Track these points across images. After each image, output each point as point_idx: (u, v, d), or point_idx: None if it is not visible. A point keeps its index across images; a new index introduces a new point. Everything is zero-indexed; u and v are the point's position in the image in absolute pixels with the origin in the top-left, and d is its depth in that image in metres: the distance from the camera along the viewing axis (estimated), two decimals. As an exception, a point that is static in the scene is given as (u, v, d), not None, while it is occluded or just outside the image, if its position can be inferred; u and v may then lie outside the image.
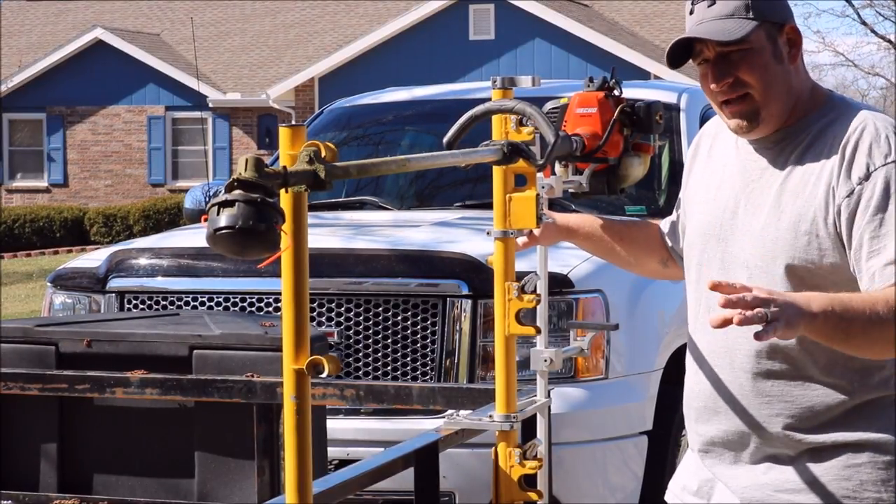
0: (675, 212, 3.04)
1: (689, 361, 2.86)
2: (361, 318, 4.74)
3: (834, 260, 2.61)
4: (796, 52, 2.70)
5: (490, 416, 3.15)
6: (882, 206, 2.55)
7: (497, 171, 3.04)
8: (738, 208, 2.72)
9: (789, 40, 2.69)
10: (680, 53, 2.71)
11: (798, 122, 2.69)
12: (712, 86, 2.69)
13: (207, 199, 6.33)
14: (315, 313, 4.74)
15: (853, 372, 2.65)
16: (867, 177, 2.57)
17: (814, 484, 2.68)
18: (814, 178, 2.63)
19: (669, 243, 3.05)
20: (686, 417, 2.90)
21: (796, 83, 2.69)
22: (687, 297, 2.89)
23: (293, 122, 2.30)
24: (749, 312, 2.33)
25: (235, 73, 31.57)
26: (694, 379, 2.83)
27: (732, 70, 2.65)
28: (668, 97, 5.96)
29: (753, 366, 2.69)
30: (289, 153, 2.27)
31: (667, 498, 2.94)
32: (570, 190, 3.18)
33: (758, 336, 2.35)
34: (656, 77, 25.82)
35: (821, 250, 2.61)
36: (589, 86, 3.14)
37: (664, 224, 3.09)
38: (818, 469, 2.67)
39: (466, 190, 5.94)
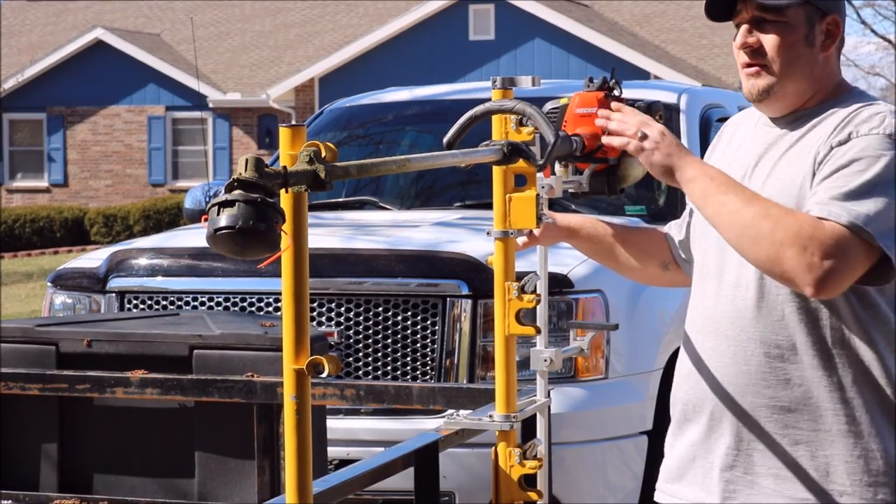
0: (686, 208, 3.05)
1: (682, 344, 2.88)
2: (361, 318, 4.74)
3: None
4: (830, 44, 2.73)
5: (490, 416, 3.15)
6: (846, 165, 2.58)
7: (497, 171, 3.04)
8: (743, 181, 2.74)
9: (828, 30, 2.73)
10: (722, 10, 2.75)
11: (816, 107, 2.73)
12: (736, 45, 2.74)
13: (207, 199, 6.33)
14: (315, 313, 4.74)
15: (840, 356, 2.64)
16: (846, 141, 2.61)
17: (788, 471, 2.67)
18: (809, 147, 2.67)
19: (676, 238, 3.05)
20: (672, 395, 2.91)
21: (821, 72, 2.73)
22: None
23: (293, 122, 2.30)
24: (632, 124, 2.71)
25: (235, 73, 31.57)
26: (683, 355, 2.86)
27: (760, 37, 2.70)
28: (668, 97, 5.96)
29: (736, 333, 2.70)
30: (289, 153, 2.27)
31: (657, 497, 2.94)
32: (570, 190, 3.18)
33: (620, 144, 2.72)
34: (656, 77, 25.82)
35: None
36: (589, 86, 3.13)
37: (670, 225, 3.10)
38: (793, 457, 2.67)
39: (466, 190, 5.95)
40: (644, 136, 2.73)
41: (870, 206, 2.53)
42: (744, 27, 2.72)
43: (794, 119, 2.74)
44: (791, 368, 2.66)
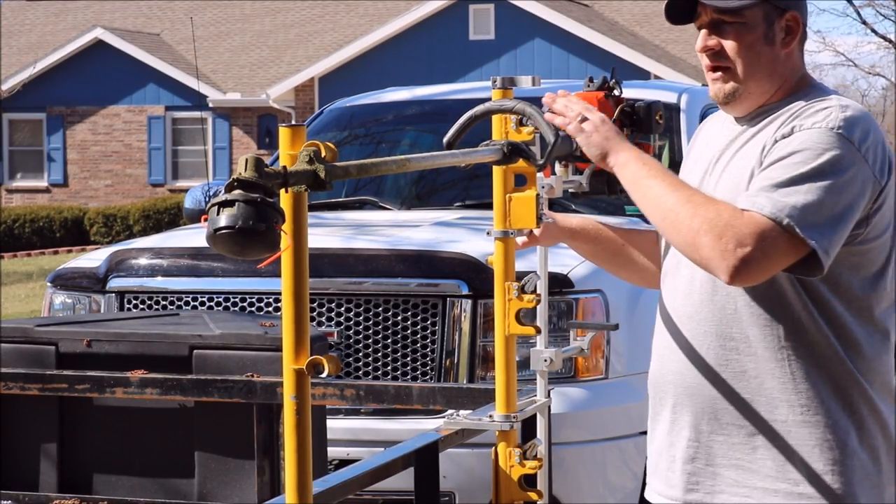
0: None
1: (653, 340, 2.92)
2: (361, 318, 4.74)
3: None
4: (790, 40, 2.74)
5: (490, 416, 3.15)
6: (784, 157, 2.59)
7: (497, 171, 3.04)
8: (703, 179, 2.78)
9: (787, 27, 2.73)
10: (683, 13, 2.76)
11: (778, 102, 2.74)
12: (697, 48, 2.76)
13: (207, 199, 6.33)
14: (315, 313, 4.74)
15: (794, 347, 2.66)
16: (789, 134, 2.63)
17: (747, 461, 2.70)
18: (761, 140, 2.69)
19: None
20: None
21: (783, 69, 2.74)
22: None
23: (293, 122, 2.30)
24: (574, 108, 2.77)
25: (235, 73, 31.57)
26: (652, 350, 2.91)
27: (720, 39, 2.72)
28: (668, 97, 5.96)
29: (693, 326, 2.74)
30: (289, 153, 2.27)
31: (646, 495, 2.96)
32: (570, 190, 3.18)
33: (561, 123, 2.79)
34: (656, 77, 25.82)
35: None
36: (589, 86, 3.14)
37: None
38: (751, 447, 2.69)
39: (466, 190, 5.95)
40: (584, 119, 2.78)
41: (798, 198, 2.54)
42: (704, 31, 2.74)
43: (755, 115, 2.76)
44: (746, 360, 2.69)
